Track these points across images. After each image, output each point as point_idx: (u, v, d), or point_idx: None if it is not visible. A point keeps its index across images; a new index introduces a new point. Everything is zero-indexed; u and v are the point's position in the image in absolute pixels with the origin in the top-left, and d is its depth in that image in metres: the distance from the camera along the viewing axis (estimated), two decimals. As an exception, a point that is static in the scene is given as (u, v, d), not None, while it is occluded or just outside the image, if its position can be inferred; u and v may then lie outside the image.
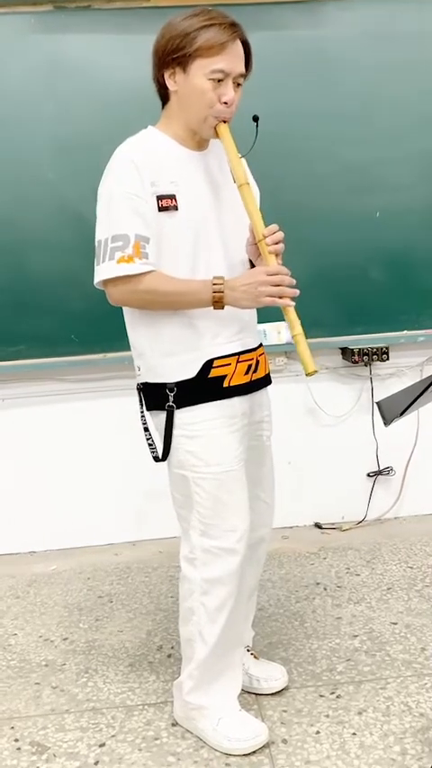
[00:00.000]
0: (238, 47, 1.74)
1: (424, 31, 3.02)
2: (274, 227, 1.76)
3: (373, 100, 3.02)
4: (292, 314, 1.73)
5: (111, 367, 3.03)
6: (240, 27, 1.75)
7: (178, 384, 1.81)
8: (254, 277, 1.73)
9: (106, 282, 1.78)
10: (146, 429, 1.90)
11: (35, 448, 3.17)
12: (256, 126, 1.83)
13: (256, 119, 1.83)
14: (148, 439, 1.91)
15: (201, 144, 1.85)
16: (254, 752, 1.85)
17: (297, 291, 1.73)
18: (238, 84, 1.77)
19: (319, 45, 2.98)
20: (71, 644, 2.45)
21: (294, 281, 1.74)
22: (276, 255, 1.76)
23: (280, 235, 1.76)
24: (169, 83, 1.78)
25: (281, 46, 2.96)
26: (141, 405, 1.91)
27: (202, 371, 1.82)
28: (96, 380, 3.13)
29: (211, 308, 1.75)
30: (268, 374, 2.00)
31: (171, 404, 1.82)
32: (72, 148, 2.90)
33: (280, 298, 1.72)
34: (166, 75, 1.77)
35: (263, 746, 1.86)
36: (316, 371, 1.72)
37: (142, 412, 1.91)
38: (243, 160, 1.85)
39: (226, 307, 1.76)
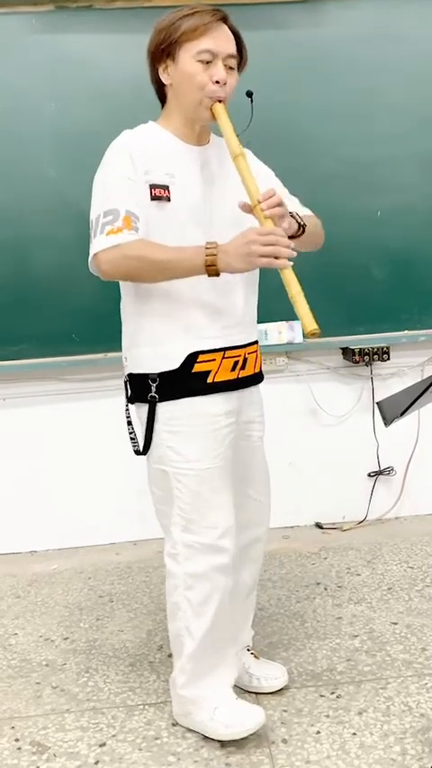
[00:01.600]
0: (223, 29, 1.76)
1: (425, 31, 3.02)
2: (270, 191, 1.72)
3: (374, 99, 3.02)
4: (289, 273, 1.66)
5: (112, 366, 3.01)
6: (224, 12, 1.77)
7: (161, 375, 1.81)
8: (245, 237, 1.68)
9: (96, 257, 1.76)
10: (129, 423, 1.91)
11: (36, 447, 3.17)
12: (251, 101, 1.83)
13: (249, 94, 1.83)
14: (130, 432, 1.92)
15: (201, 138, 1.86)
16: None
17: (293, 252, 1.67)
18: (231, 68, 1.78)
19: (320, 44, 2.98)
20: (72, 643, 2.45)
21: (291, 243, 1.68)
22: (275, 219, 1.70)
23: (276, 198, 1.70)
24: (163, 77, 1.81)
25: (282, 45, 2.96)
26: (126, 397, 1.91)
27: (186, 364, 1.81)
28: (98, 380, 3.13)
29: (206, 275, 1.70)
30: (259, 372, 1.98)
31: (153, 394, 1.82)
32: (73, 147, 2.90)
33: (276, 258, 1.66)
34: (160, 71, 1.80)
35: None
36: (317, 330, 1.62)
37: (127, 405, 1.91)
38: (250, 153, 1.86)
39: (216, 299, 1.76)
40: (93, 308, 2.90)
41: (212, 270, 1.70)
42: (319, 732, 1.92)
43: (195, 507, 1.83)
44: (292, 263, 1.67)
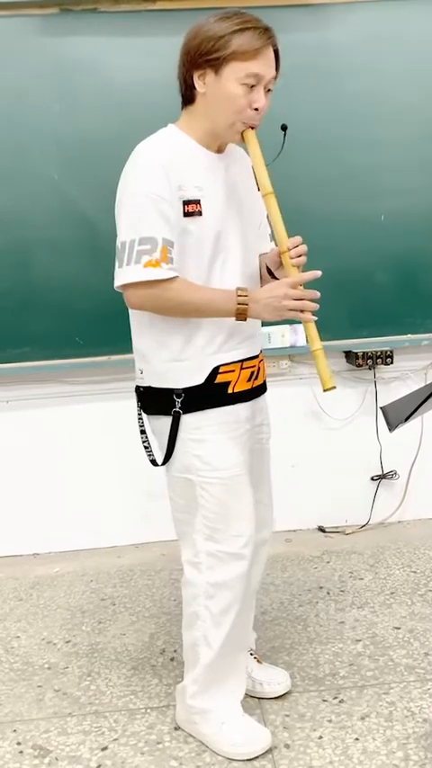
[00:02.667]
0: (270, 52, 1.73)
1: (428, 34, 3.01)
2: (297, 239, 1.76)
3: (377, 102, 3.02)
4: (312, 329, 1.73)
5: (115, 369, 3.03)
6: (274, 33, 1.74)
7: (186, 390, 1.81)
8: (277, 290, 1.72)
9: (127, 286, 1.74)
10: (143, 432, 1.90)
11: (39, 450, 3.17)
12: (284, 135, 1.80)
13: (284, 128, 1.81)
14: (144, 442, 1.90)
15: (221, 147, 1.84)
16: (256, 757, 1.85)
17: (317, 306, 1.73)
18: (268, 90, 1.76)
19: (323, 48, 2.98)
20: (74, 647, 2.45)
21: (318, 295, 1.73)
22: (298, 268, 1.76)
23: (303, 248, 1.77)
24: (198, 83, 1.74)
25: (284, 49, 2.93)
26: (139, 407, 1.90)
27: (209, 377, 1.82)
28: (101, 383, 3.13)
29: (233, 318, 1.75)
30: (265, 381, 2.01)
31: (177, 410, 1.81)
32: (77, 150, 2.90)
33: (302, 312, 1.72)
34: (196, 76, 1.73)
35: (266, 751, 1.86)
36: (334, 387, 1.71)
37: (140, 415, 1.90)
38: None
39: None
40: (96, 311, 2.90)
41: (241, 317, 1.75)
42: (321, 737, 1.91)
43: (221, 516, 1.82)
44: (315, 318, 1.73)
